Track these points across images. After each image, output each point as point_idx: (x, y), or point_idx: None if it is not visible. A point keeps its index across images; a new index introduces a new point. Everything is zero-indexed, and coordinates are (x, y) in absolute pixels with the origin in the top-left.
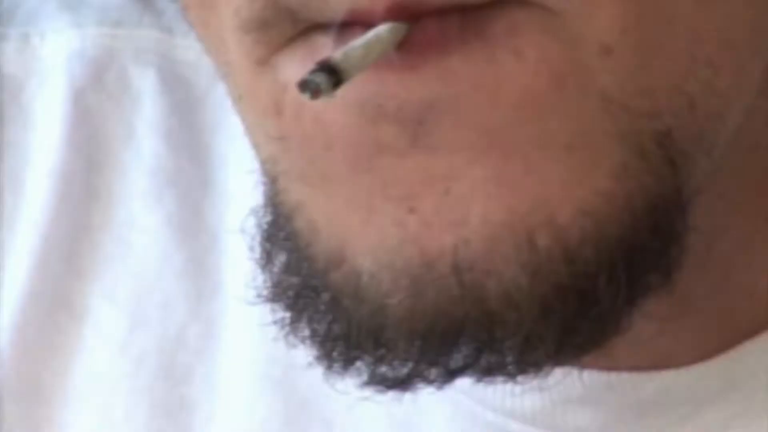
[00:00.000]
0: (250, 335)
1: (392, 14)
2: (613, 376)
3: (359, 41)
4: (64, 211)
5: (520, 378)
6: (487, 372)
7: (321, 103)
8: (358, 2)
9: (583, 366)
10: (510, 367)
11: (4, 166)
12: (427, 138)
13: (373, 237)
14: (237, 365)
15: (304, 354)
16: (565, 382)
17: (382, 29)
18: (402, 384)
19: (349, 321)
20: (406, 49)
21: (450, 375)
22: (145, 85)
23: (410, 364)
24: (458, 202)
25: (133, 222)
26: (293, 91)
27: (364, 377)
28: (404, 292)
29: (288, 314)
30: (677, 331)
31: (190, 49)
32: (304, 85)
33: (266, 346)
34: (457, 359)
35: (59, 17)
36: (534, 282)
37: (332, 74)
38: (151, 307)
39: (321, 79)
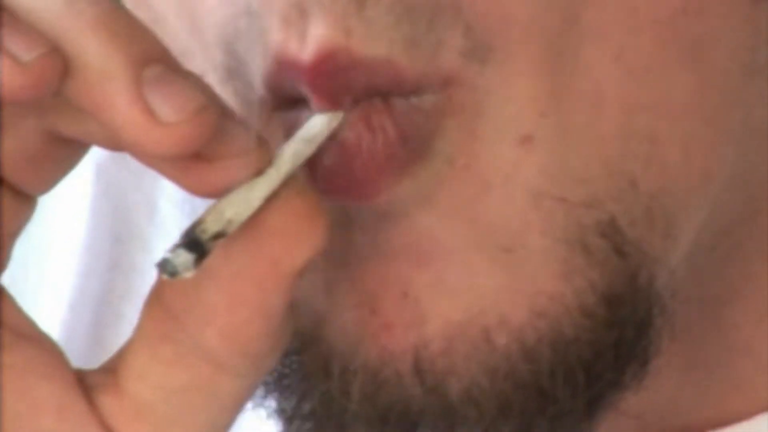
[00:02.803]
0: None
1: (320, 66)
2: None
3: (233, 195)
4: (88, 282)
5: None
6: None
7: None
8: (286, 50)
9: None
10: None
11: (30, 242)
12: (384, 244)
13: (341, 328)
14: None
15: None
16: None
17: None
18: None
19: (317, 400)
20: (351, 178)
21: None
22: None
23: None
24: (416, 304)
25: None
26: None
27: None
28: (365, 384)
29: (260, 389)
30: (692, 394)
31: None
32: (163, 266)
33: None
34: None
35: None
36: (494, 380)
37: (195, 248)
38: None
39: (181, 260)
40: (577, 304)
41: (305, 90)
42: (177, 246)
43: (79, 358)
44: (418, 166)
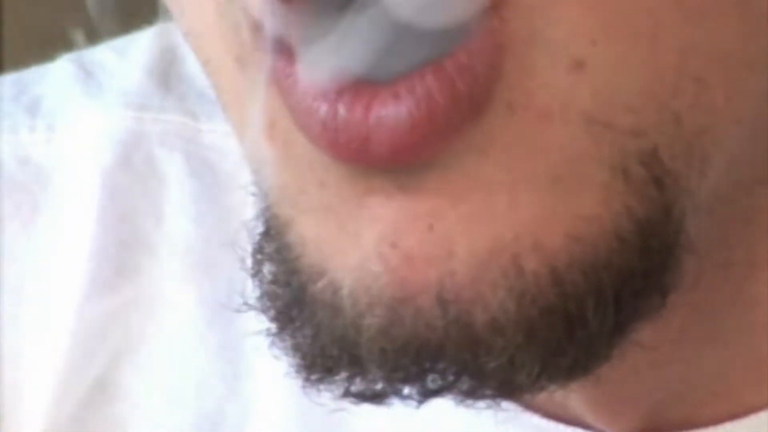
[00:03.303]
0: (286, 414)
1: None
2: None
3: None
4: (95, 290)
5: (502, 401)
6: (467, 394)
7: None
8: None
9: (620, 427)
10: (492, 391)
11: (36, 247)
12: (413, 183)
13: (357, 261)
14: None
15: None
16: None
17: None
18: (376, 399)
19: (326, 334)
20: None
21: (427, 394)
22: (172, 169)
23: (383, 381)
24: (442, 237)
25: (165, 301)
26: (282, 122)
27: (340, 390)
28: (379, 318)
29: (273, 325)
30: (709, 371)
31: (214, 134)
32: None
33: (303, 425)
34: (435, 380)
35: (84, 103)
36: (521, 306)
37: None
38: (187, 385)
39: None
40: (613, 228)
41: None
42: None
43: (88, 368)
44: (473, 124)
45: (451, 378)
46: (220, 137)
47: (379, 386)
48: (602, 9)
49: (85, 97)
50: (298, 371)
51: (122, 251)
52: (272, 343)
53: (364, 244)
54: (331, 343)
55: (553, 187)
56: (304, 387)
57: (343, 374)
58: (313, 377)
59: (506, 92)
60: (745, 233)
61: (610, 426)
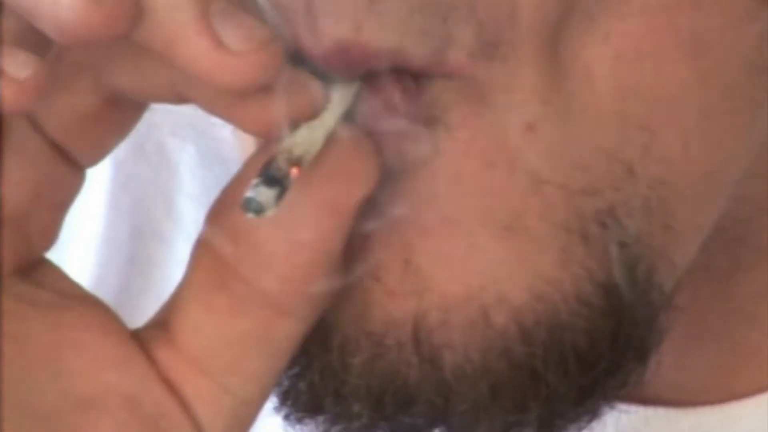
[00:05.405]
0: None
1: (331, 60)
2: (650, 411)
3: (300, 132)
4: (106, 275)
5: None
6: None
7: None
8: (299, 43)
9: (621, 399)
10: None
11: None
12: (387, 208)
13: (345, 298)
14: None
15: None
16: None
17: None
18: None
19: (316, 375)
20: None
21: None
22: (184, 158)
23: (364, 421)
24: (417, 273)
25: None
26: None
27: (322, 429)
28: (367, 352)
29: None
30: (699, 365)
31: (225, 126)
32: (247, 205)
33: None
34: (411, 423)
35: None
36: (487, 358)
37: (275, 185)
38: None
39: (264, 197)
40: (574, 292)
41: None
42: (257, 184)
43: None
44: (420, 131)
45: (424, 421)
46: (232, 131)
47: (358, 426)
48: (551, 67)
49: None
50: (278, 409)
51: (134, 239)
52: None
53: (351, 278)
54: (319, 381)
55: (507, 237)
56: (285, 421)
57: (328, 414)
58: (297, 414)
59: (449, 119)
60: (731, 241)
61: None
